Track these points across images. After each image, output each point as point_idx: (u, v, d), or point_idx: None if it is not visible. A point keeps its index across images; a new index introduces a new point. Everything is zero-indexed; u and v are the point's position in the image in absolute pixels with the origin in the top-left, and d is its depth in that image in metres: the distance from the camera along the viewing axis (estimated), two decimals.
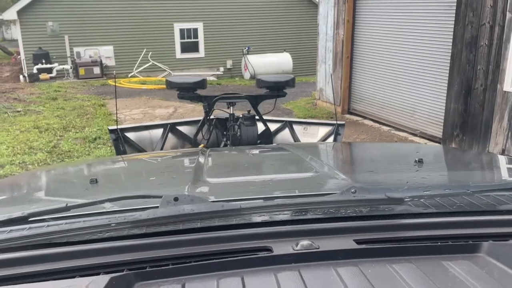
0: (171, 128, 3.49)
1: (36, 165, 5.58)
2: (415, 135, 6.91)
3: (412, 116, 7.11)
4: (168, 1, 15.02)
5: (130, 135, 3.31)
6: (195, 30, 15.79)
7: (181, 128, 3.58)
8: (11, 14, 13.76)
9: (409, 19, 6.91)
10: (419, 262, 0.81)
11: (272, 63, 15.41)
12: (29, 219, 0.97)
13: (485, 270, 0.78)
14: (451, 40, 5.87)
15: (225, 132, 3.39)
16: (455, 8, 5.74)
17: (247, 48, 15.85)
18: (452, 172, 1.78)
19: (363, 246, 0.87)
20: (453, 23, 5.78)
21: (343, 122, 3.35)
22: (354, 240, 0.89)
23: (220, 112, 3.41)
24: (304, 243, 0.85)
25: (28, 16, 13.77)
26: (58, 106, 9.44)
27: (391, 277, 0.77)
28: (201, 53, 16.08)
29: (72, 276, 0.81)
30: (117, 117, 3.63)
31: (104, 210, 1.09)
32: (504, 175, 1.66)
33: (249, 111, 3.21)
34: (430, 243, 0.90)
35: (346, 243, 0.88)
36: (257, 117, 3.22)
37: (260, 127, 3.27)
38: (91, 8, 14.22)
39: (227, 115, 3.30)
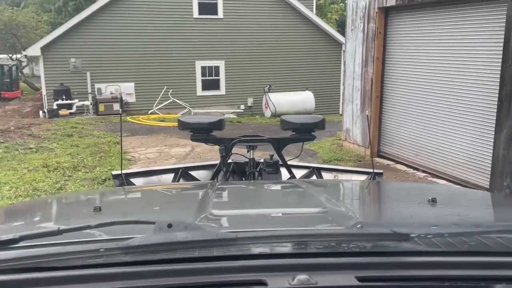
0: (183, 173, 3.10)
1: None
2: (456, 182, 6.20)
3: (452, 162, 6.42)
4: (190, 39, 15.04)
5: (137, 181, 2.93)
6: (217, 68, 15.72)
7: (194, 173, 3.19)
8: (34, 50, 13.93)
9: (448, 56, 6.37)
10: None
11: (293, 101, 15.14)
12: (19, 242, 0.95)
13: None
14: (498, 79, 5.28)
15: (244, 179, 3.00)
16: (502, 44, 5.18)
17: (268, 86, 15.67)
18: (466, 211, 1.69)
19: (365, 283, 0.84)
20: (501, 60, 5.21)
21: (381, 171, 2.97)
22: (356, 277, 0.84)
23: (238, 156, 3.04)
24: (301, 278, 0.81)
25: (51, 53, 13.89)
26: (72, 143, 9.12)
27: None
28: (222, 90, 15.92)
29: None
30: (121, 161, 3.21)
31: (96, 237, 1.07)
32: None
33: (271, 156, 2.83)
34: (438, 283, 0.87)
35: (347, 280, 0.84)
36: (280, 163, 2.84)
37: (284, 174, 2.88)
38: (114, 45, 14.30)
39: (247, 160, 2.91)
